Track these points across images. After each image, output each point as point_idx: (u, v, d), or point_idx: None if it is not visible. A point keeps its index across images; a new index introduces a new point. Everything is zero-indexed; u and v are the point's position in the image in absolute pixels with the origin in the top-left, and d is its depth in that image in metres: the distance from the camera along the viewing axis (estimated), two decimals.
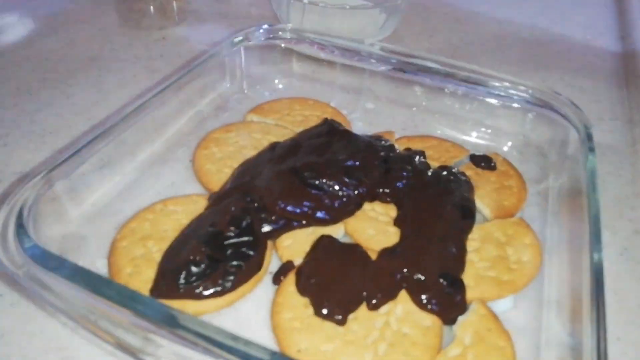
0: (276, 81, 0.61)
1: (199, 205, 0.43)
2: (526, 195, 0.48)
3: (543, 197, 0.49)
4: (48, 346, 0.35)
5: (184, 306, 0.35)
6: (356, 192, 0.43)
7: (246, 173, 0.45)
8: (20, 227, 0.32)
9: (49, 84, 0.61)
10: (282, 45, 0.57)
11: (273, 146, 0.48)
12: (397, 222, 0.43)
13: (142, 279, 0.36)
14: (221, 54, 0.54)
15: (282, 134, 0.52)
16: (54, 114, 0.56)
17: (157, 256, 0.38)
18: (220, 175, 0.46)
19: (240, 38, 0.55)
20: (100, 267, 0.39)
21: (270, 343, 0.35)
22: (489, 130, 0.56)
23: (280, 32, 0.56)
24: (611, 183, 0.52)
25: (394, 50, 0.55)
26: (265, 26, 0.55)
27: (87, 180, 0.43)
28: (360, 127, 0.57)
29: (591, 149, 0.44)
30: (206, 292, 0.36)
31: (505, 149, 0.55)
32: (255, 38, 0.56)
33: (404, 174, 0.46)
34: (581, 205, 0.40)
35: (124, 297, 0.29)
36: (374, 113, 0.59)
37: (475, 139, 0.56)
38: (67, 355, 0.34)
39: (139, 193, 0.46)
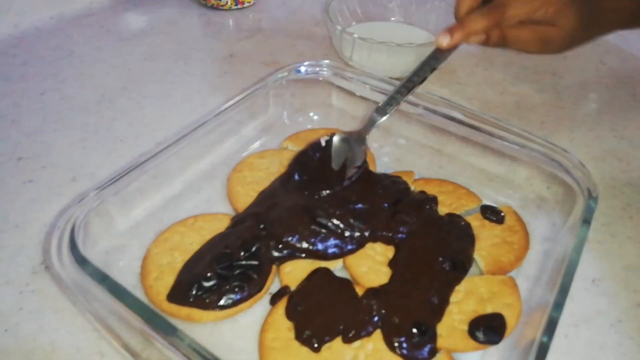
0: (314, 113, 0.67)
1: (223, 224, 0.50)
2: (526, 254, 0.50)
3: (546, 256, 0.50)
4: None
5: (192, 313, 0.43)
6: (359, 234, 0.48)
7: (264, 200, 0.51)
8: (72, 239, 0.40)
9: (127, 94, 0.71)
10: (320, 78, 0.63)
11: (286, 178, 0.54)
12: (391, 264, 0.47)
13: (164, 284, 0.44)
14: (267, 86, 0.60)
15: None
16: (127, 123, 0.66)
17: (180, 266, 0.46)
18: (246, 198, 0.53)
19: (285, 74, 0.61)
20: (135, 267, 0.47)
21: (254, 357, 0.41)
22: (509, 183, 0.58)
23: (319, 68, 0.61)
24: None
25: (422, 95, 0.58)
26: (307, 63, 0.61)
27: (140, 189, 0.52)
28: (385, 162, 0.61)
29: (586, 220, 0.45)
30: (211, 305, 0.43)
31: (522, 203, 0.56)
32: (298, 73, 0.61)
33: (409, 219, 0.50)
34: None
35: (137, 306, 0.36)
36: (401, 150, 0.63)
37: (493, 189, 0.58)
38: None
39: (179, 205, 0.54)
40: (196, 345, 0.35)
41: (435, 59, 0.52)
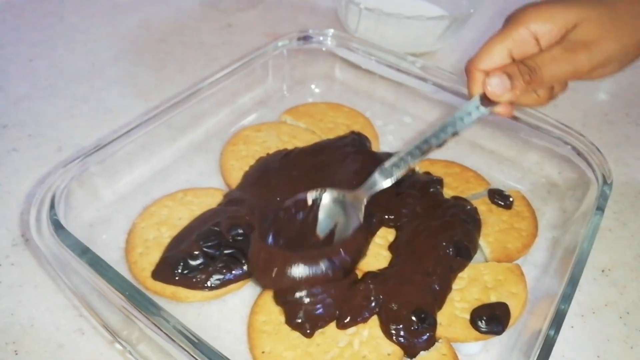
0: (316, 85, 0.64)
1: (215, 200, 0.47)
2: (534, 241, 0.47)
3: (555, 244, 0.48)
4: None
5: (177, 291, 0.40)
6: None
7: (260, 181, 0.48)
8: (51, 209, 0.38)
9: (119, 63, 0.67)
10: (323, 49, 0.59)
11: (287, 153, 0.51)
12: (391, 247, 0.45)
13: (149, 260, 0.42)
14: (266, 55, 0.57)
15: (308, 140, 0.54)
16: (117, 94, 0.63)
17: (167, 241, 0.43)
18: (240, 172, 0.50)
19: (286, 42, 0.57)
20: (120, 242, 0.44)
21: (243, 339, 0.39)
22: (519, 166, 0.55)
23: (322, 38, 0.58)
24: None
25: (432, 70, 0.55)
26: (310, 31, 0.58)
27: (127, 159, 0.49)
28: (389, 140, 0.58)
29: (599, 208, 0.42)
30: (197, 285, 0.40)
31: (532, 187, 0.54)
32: (299, 42, 0.58)
33: (412, 201, 0.47)
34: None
35: (119, 281, 0.34)
36: (407, 129, 0.60)
37: (502, 173, 0.55)
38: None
39: (169, 178, 0.51)
40: (181, 326, 0.32)
41: (460, 119, 0.41)
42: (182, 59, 0.69)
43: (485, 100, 0.40)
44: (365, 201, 0.43)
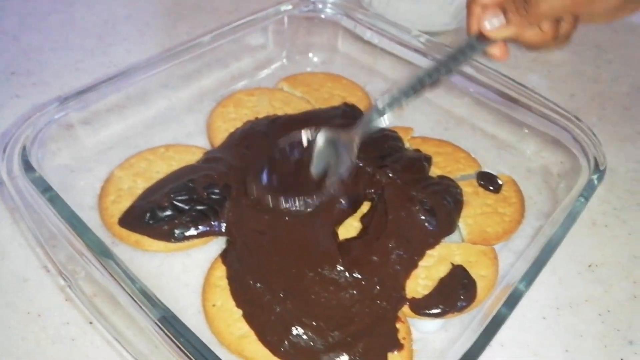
0: (317, 55, 0.62)
1: (195, 157, 0.47)
2: (517, 228, 0.45)
3: (538, 232, 0.45)
4: None
5: (141, 240, 0.41)
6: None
7: (241, 144, 0.48)
8: (23, 148, 0.39)
9: (131, 21, 0.68)
10: (322, 16, 0.58)
11: (275, 119, 0.50)
12: (363, 218, 0.44)
13: (119, 208, 0.42)
14: (267, 18, 0.56)
15: (300, 108, 0.54)
16: (125, 50, 0.64)
17: (140, 192, 0.44)
18: (226, 134, 0.50)
19: (289, 7, 0.56)
20: (97, 189, 0.45)
21: (199, 292, 0.39)
22: (519, 153, 0.53)
23: (322, 6, 0.57)
24: None
25: (436, 45, 0.53)
26: None
27: (116, 110, 0.50)
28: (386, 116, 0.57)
29: (583, 195, 0.40)
30: (160, 235, 0.40)
31: (528, 175, 0.51)
32: (302, 8, 0.57)
33: (393, 175, 0.46)
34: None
35: (73, 220, 0.35)
36: (408, 106, 0.58)
37: (500, 158, 0.53)
38: None
39: (157, 134, 0.51)
40: (127, 270, 0.32)
41: (454, 58, 0.40)
42: (194, 22, 0.69)
43: (483, 38, 0.38)
44: (357, 141, 0.42)
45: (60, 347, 0.36)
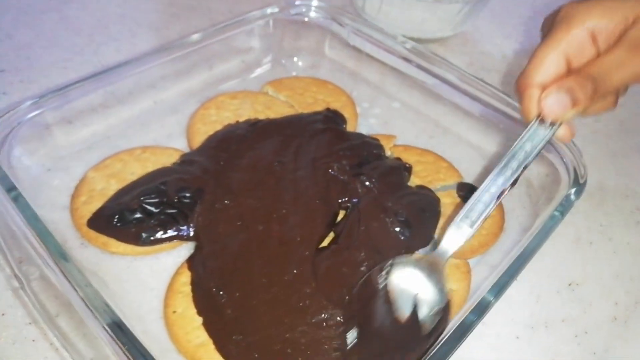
0: (303, 59, 0.62)
1: (171, 160, 0.47)
2: (494, 241, 0.44)
3: (515, 246, 0.44)
4: None
5: (108, 242, 0.40)
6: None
7: (220, 145, 0.47)
8: None
9: (123, 21, 0.68)
10: (306, 19, 0.57)
11: (255, 122, 0.50)
12: (335, 227, 0.43)
13: (89, 209, 0.42)
14: (253, 22, 0.55)
15: (283, 112, 0.53)
16: (115, 49, 0.63)
17: (112, 193, 0.43)
18: (205, 137, 0.50)
19: (275, 10, 0.56)
20: (71, 188, 0.45)
21: (162, 297, 0.39)
22: None
23: (313, 10, 0.56)
24: None
25: (420, 52, 0.52)
26: (298, 2, 0.56)
27: (97, 109, 0.50)
28: (370, 123, 0.56)
29: (560, 211, 0.39)
30: (127, 238, 0.40)
31: (513, 188, 0.50)
32: (289, 12, 0.56)
33: (369, 184, 0.45)
34: None
35: (33, 220, 0.34)
36: (393, 114, 0.57)
37: (485, 170, 0.52)
38: None
39: (137, 134, 0.51)
40: (81, 273, 0.32)
41: (525, 149, 0.35)
42: (186, 22, 0.69)
43: (544, 121, 0.34)
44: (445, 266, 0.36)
45: (19, 348, 0.35)
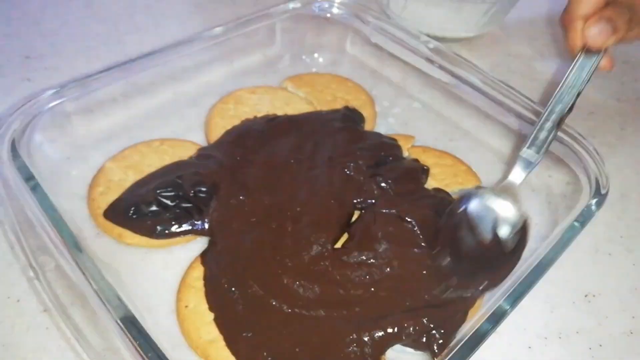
0: (324, 55, 0.61)
1: (189, 153, 0.47)
2: None
3: (532, 255, 0.43)
4: None
5: (123, 233, 0.41)
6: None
7: (237, 141, 0.47)
8: (12, 136, 0.39)
9: (149, 10, 0.69)
10: (328, 15, 0.56)
11: (273, 118, 0.50)
12: (349, 228, 0.43)
13: (106, 200, 0.43)
14: (274, 16, 0.55)
15: (302, 109, 0.53)
16: (138, 40, 0.64)
17: (129, 185, 0.44)
18: (223, 131, 0.50)
19: (298, 5, 0.55)
20: (88, 178, 0.45)
21: (175, 290, 0.39)
22: None
23: (335, 6, 0.55)
24: None
25: (443, 52, 0.51)
26: None
27: (119, 100, 0.51)
28: (389, 122, 0.55)
29: (580, 221, 0.38)
30: (142, 230, 0.40)
31: (532, 194, 0.49)
32: (311, 8, 0.56)
33: (386, 186, 0.44)
34: None
35: (50, 210, 0.35)
36: (413, 114, 0.57)
37: (502, 173, 0.51)
38: None
39: (157, 126, 0.51)
40: (96, 265, 0.32)
41: (577, 77, 0.40)
42: (211, 14, 0.69)
43: (588, 51, 0.40)
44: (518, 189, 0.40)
45: (33, 335, 0.36)
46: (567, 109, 0.40)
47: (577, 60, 0.40)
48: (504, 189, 0.39)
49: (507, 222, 0.38)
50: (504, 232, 0.38)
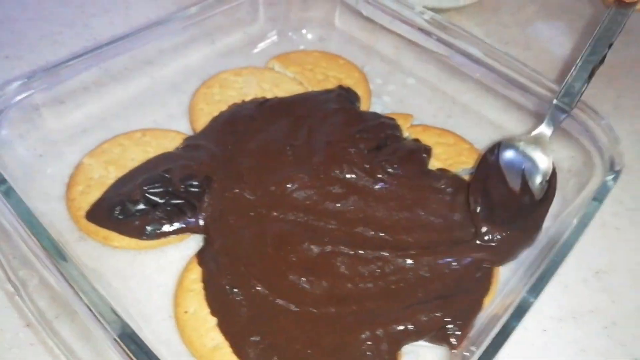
0: (312, 31, 0.57)
1: (174, 143, 0.44)
2: None
3: (543, 234, 0.42)
4: None
5: (110, 236, 0.37)
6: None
7: (226, 128, 0.44)
8: None
9: None
10: None
11: (263, 102, 0.46)
12: None
13: (88, 200, 0.39)
14: None
15: (291, 90, 0.50)
16: (107, 21, 0.59)
17: (111, 182, 0.40)
18: (209, 118, 0.46)
19: None
20: (65, 177, 0.42)
21: (171, 294, 0.36)
22: None
23: None
24: None
25: (440, 23, 0.48)
26: None
27: (91, 88, 0.47)
28: (385, 101, 0.53)
29: (596, 198, 0.36)
30: (131, 231, 0.37)
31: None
32: None
33: (390, 169, 0.42)
34: None
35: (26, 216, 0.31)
36: (408, 91, 0.54)
37: None
38: None
39: (136, 116, 0.48)
40: (85, 276, 0.29)
41: (608, 29, 0.42)
42: None
43: (620, 4, 0.42)
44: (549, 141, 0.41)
45: (16, 353, 0.33)
46: (599, 60, 0.41)
47: (608, 13, 0.42)
48: (535, 140, 0.41)
49: (539, 171, 0.40)
50: (536, 181, 0.40)
